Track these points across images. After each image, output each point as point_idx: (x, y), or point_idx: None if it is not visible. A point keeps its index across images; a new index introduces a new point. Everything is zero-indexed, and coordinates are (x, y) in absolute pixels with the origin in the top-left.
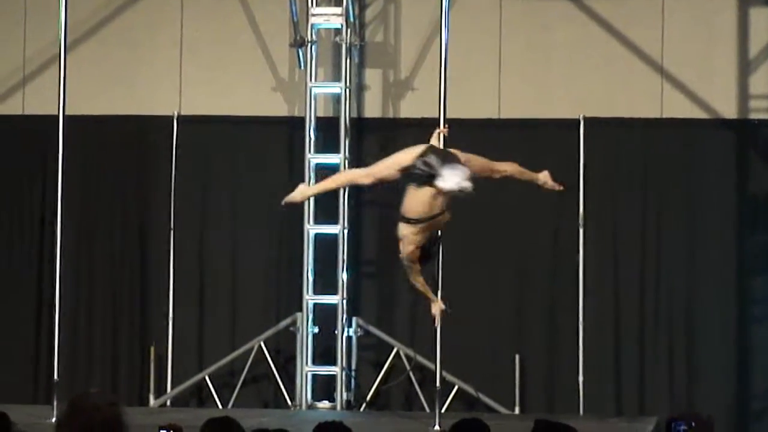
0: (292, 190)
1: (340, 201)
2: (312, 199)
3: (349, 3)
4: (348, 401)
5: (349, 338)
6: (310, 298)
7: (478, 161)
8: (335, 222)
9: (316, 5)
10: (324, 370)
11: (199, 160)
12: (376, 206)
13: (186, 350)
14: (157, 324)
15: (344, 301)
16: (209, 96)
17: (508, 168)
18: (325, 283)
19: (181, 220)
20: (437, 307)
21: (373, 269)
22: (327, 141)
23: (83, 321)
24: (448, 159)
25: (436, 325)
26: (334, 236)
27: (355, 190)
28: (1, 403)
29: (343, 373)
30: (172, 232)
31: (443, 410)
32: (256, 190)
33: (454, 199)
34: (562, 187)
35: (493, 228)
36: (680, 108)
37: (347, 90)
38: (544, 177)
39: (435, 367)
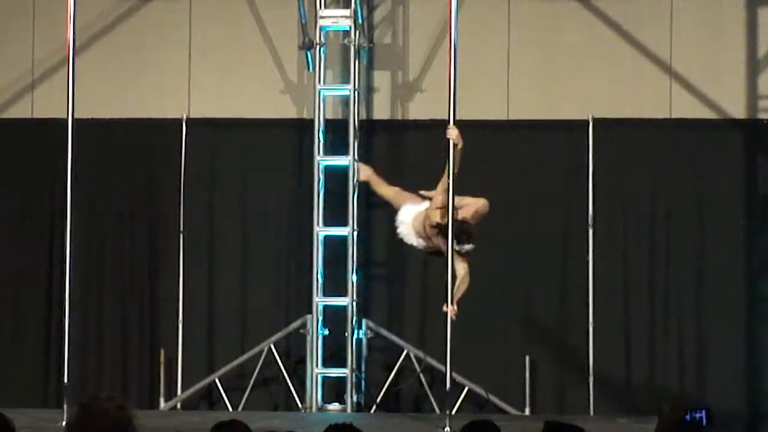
0: (299, 193)
1: (349, 203)
2: (321, 201)
3: (358, 5)
4: (358, 403)
5: (359, 340)
6: (319, 300)
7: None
8: (345, 224)
9: (325, 7)
10: (334, 372)
11: (208, 162)
12: (385, 208)
13: (196, 353)
14: (167, 327)
15: (354, 303)
16: (218, 99)
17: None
18: (335, 285)
19: (191, 223)
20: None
21: (382, 271)
22: (336, 143)
23: (93, 324)
24: None
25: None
26: (344, 238)
27: (365, 192)
28: (12, 407)
29: (353, 375)
30: (181, 234)
31: (453, 412)
32: (265, 192)
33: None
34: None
35: (503, 229)
36: (689, 108)
37: (356, 92)
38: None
39: (445, 368)
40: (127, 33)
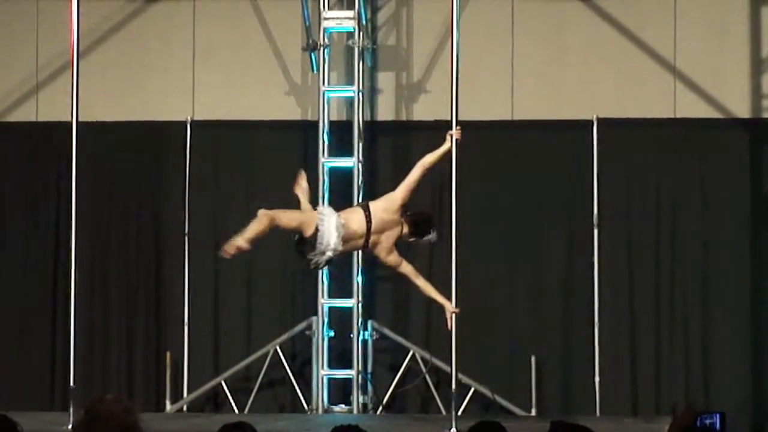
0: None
1: (354, 202)
2: (326, 202)
3: (362, 6)
4: (364, 404)
5: (364, 341)
6: (325, 302)
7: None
8: None
9: (329, 9)
10: (340, 373)
11: (212, 165)
12: None
13: (202, 355)
14: (173, 329)
15: (359, 305)
16: (222, 101)
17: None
18: (340, 286)
19: (196, 225)
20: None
21: (387, 272)
22: (340, 144)
23: (99, 327)
24: None
25: (449, 328)
26: None
27: (370, 193)
28: (18, 410)
29: (359, 377)
30: (186, 237)
31: (459, 412)
32: (269, 194)
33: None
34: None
35: (508, 230)
36: (693, 108)
37: (360, 93)
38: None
39: (451, 369)
40: (130, 36)
